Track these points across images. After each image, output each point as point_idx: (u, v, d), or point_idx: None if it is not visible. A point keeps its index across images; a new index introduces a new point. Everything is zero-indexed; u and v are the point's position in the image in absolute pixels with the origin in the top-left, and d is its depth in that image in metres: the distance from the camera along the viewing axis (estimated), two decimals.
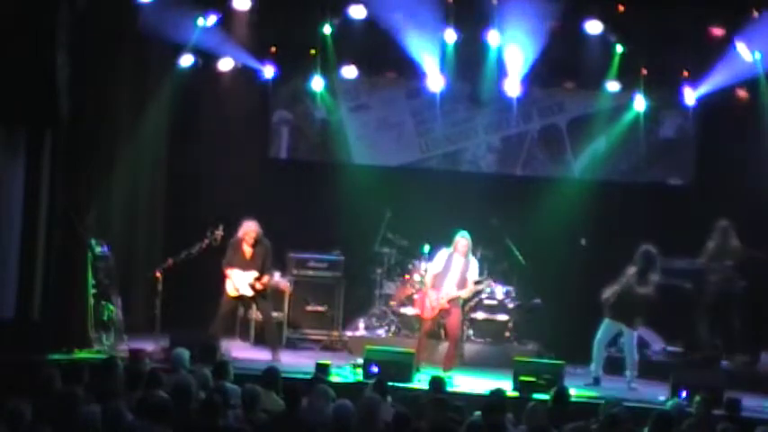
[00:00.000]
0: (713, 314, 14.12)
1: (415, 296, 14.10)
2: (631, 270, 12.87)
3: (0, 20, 12.42)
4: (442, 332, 13.59)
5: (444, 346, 13.36)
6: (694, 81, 14.68)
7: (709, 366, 13.38)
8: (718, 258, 14.15)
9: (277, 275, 14.29)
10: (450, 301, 12.99)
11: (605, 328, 12.96)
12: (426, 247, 14.29)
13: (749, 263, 14.05)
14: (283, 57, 15.17)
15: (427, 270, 13.51)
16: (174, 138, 15.58)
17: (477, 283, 13.35)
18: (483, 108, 16.10)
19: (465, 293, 13.19)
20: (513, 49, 14.70)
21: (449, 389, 10.59)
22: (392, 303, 14.88)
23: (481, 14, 14.42)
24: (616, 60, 14.78)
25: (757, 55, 14.04)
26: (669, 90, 15.10)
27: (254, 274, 13.29)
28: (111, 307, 13.53)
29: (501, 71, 15.11)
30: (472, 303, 14.83)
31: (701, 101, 14.85)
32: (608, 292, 12.90)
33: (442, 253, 13.26)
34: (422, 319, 13.33)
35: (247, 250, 13.37)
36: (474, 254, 15.03)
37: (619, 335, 13.14)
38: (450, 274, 13.04)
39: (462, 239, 13.05)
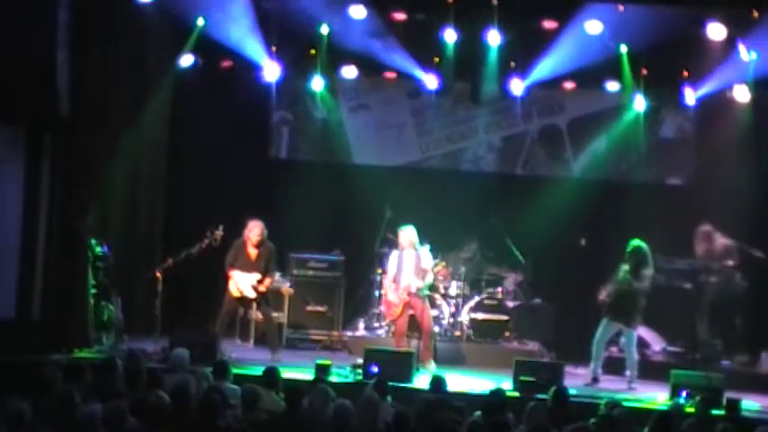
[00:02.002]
0: (713, 314, 14.11)
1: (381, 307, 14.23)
2: (624, 268, 12.86)
3: (0, 19, 12.42)
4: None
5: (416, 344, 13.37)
6: (694, 81, 14.68)
7: (709, 366, 13.36)
8: (719, 259, 14.14)
9: (277, 276, 14.27)
10: (411, 294, 13.08)
11: (604, 328, 12.95)
12: (427, 247, 14.28)
13: (749, 263, 14.05)
14: (283, 57, 15.15)
15: (385, 275, 13.56)
16: (174, 138, 15.58)
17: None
18: (483, 108, 16.11)
19: (426, 281, 13.25)
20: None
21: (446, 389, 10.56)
22: None
23: (481, 14, 14.41)
24: (625, 62, 14.75)
25: (753, 55, 14.10)
26: (669, 90, 15.09)
27: (257, 276, 13.27)
28: (111, 307, 13.53)
29: (501, 70, 15.13)
30: (472, 304, 14.86)
31: (701, 101, 14.86)
32: (604, 293, 12.89)
33: (393, 254, 13.44)
34: (393, 323, 13.48)
35: (252, 251, 13.33)
36: (474, 254, 15.10)
37: (619, 334, 13.13)
38: (404, 270, 13.21)
39: (402, 233, 13.29)
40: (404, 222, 14.67)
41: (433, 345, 13.48)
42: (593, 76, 15.32)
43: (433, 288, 14.06)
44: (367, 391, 9.38)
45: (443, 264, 14.47)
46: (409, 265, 13.20)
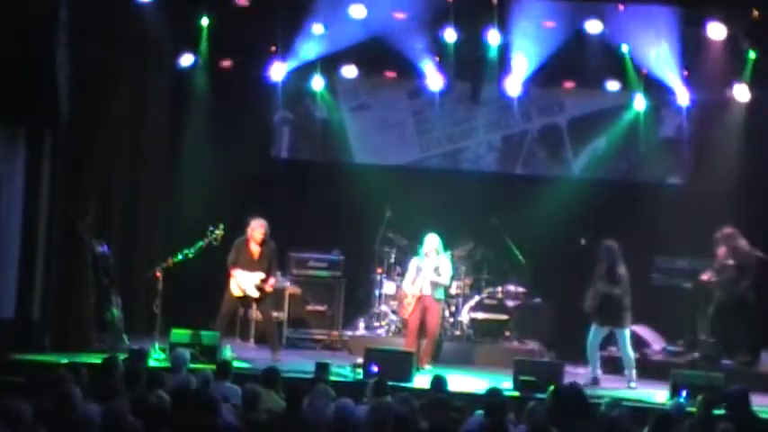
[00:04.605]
0: (713, 314, 14.09)
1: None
2: (600, 270, 12.86)
3: (0, 19, 12.42)
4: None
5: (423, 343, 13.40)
6: (694, 81, 14.69)
7: (710, 366, 13.36)
8: (746, 258, 14.07)
9: (278, 276, 14.27)
10: (425, 295, 13.16)
11: (594, 332, 12.95)
12: (448, 254, 14.23)
13: (748, 262, 14.03)
14: (284, 56, 15.15)
15: (404, 280, 13.63)
16: (174, 137, 15.57)
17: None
18: (483, 107, 16.12)
19: (441, 281, 13.30)
20: (519, 50, 14.70)
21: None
22: (392, 303, 14.88)
23: (481, 14, 14.42)
24: (628, 61, 14.76)
25: (752, 54, 14.15)
26: (669, 90, 15.08)
27: (261, 275, 13.25)
28: (112, 307, 13.52)
29: (501, 70, 15.13)
30: (472, 303, 14.86)
31: (701, 100, 14.88)
32: (588, 300, 12.89)
33: (414, 260, 13.47)
34: (406, 321, 13.54)
35: (254, 249, 13.32)
36: (474, 254, 15.11)
37: (610, 334, 13.10)
38: (423, 273, 13.28)
39: (426, 241, 13.32)
40: (403, 221, 14.77)
41: (433, 349, 13.53)
42: (593, 76, 15.32)
43: (447, 296, 14.07)
44: (368, 391, 9.39)
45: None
46: (428, 270, 13.23)
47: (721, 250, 13.97)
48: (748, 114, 14.79)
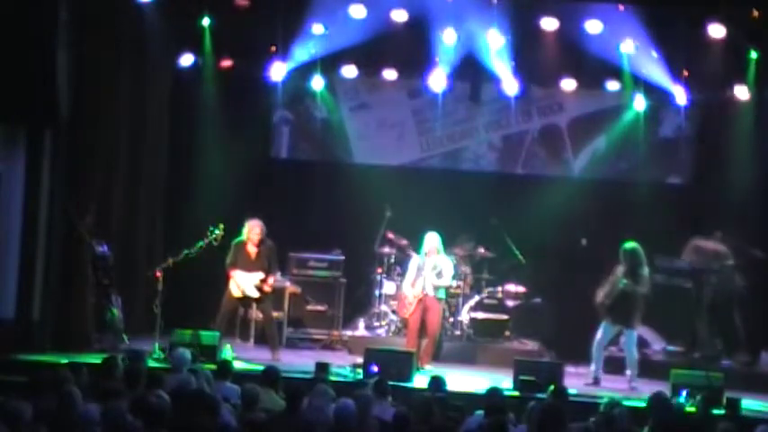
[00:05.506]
0: (713, 314, 14.11)
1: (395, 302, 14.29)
2: (619, 269, 12.87)
3: (0, 19, 12.42)
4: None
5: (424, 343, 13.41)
6: (694, 81, 14.69)
7: (709, 366, 13.36)
8: (718, 258, 14.13)
9: (278, 275, 14.27)
10: (426, 295, 13.12)
11: (605, 330, 12.95)
12: (451, 257, 14.21)
13: (749, 262, 14.05)
14: (283, 56, 15.16)
15: (404, 279, 13.62)
16: (175, 137, 15.58)
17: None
18: (483, 107, 16.12)
19: (443, 282, 13.27)
20: (515, 50, 14.75)
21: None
22: (392, 303, 14.88)
23: (481, 14, 14.43)
24: (626, 62, 14.77)
25: (753, 54, 14.16)
26: (669, 90, 15.07)
27: (260, 275, 13.26)
28: (112, 307, 13.52)
29: (500, 70, 15.15)
30: (472, 303, 14.87)
31: (701, 100, 14.88)
32: (601, 296, 12.89)
33: (415, 259, 13.43)
34: (406, 320, 13.53)
35: (252, 250, 13.35)
36: (474, 254, 15.11)
37: (619, 334, 13.13)
38: (424, 272, 13.23)
39: (426, 239, 13.29)
40: (403, 221, 14.75)
41: (433, 350, 13.53)
42: (593, 76, 15.32)
43: (448, 295, 14.07)
44: (360, 389, 9.40)
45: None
46: (429, 270, 13.22)
47: (691, 259, 14.08)
48: (748, 114, 14.80)
